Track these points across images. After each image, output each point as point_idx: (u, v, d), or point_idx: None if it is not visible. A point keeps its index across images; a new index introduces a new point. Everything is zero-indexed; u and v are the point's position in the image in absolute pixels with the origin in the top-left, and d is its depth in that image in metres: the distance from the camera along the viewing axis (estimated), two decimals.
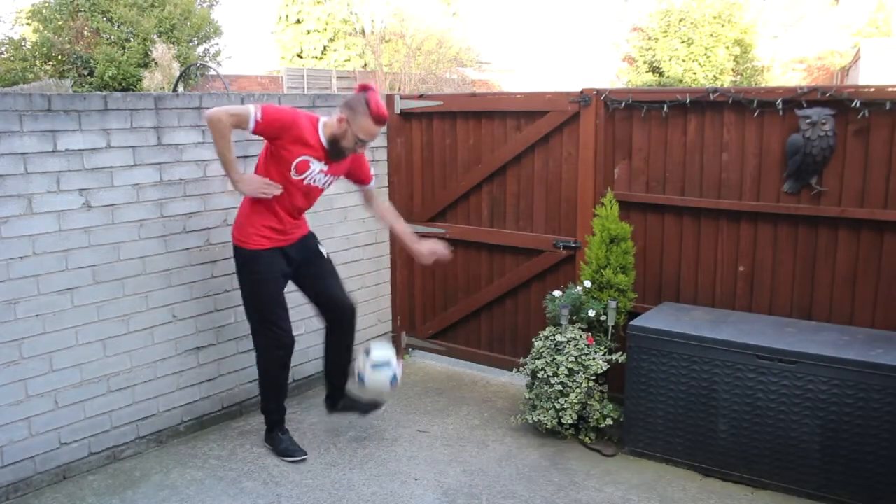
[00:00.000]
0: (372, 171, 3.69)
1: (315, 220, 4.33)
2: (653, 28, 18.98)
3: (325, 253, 3.66)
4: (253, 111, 3.16)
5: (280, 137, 3.23)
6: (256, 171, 3.37)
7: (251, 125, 3.17)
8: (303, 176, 3.32)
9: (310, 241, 3.61)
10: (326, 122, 3.32)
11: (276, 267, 3.44)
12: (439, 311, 4.83)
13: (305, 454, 3.61)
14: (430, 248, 3.65)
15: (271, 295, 3.48)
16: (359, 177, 3.64)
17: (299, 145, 3.26)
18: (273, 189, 3.29)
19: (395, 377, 3.59)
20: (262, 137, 3.30)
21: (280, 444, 3.64)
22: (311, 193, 3.46)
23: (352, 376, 3.68)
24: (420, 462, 3.59)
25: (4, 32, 27.53)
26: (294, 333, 4.34)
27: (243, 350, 4.08)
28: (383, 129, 3.26)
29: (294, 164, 3.28)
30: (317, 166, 3.34)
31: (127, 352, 3.57)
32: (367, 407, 3.84)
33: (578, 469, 3.50)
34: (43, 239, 3.24)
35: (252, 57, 45.62)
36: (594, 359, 3.63)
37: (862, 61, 14.26)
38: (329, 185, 3.49)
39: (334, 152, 3.33)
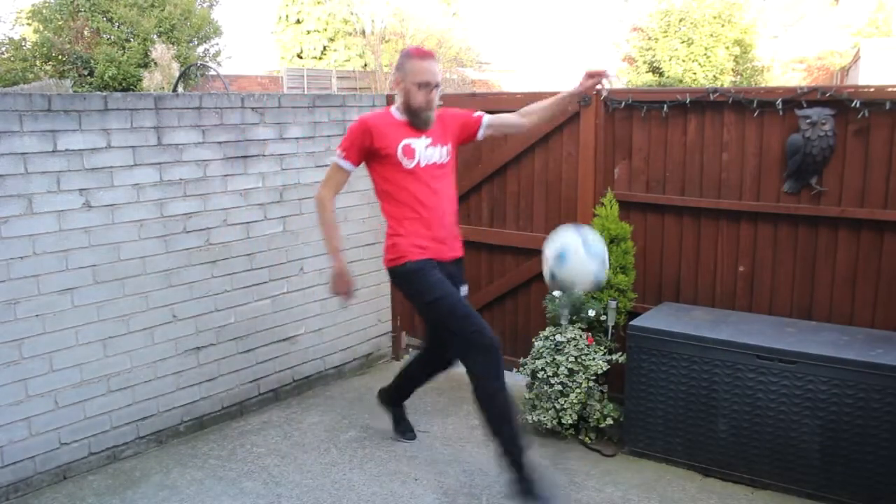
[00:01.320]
0: (473, 113, 3.42)
1: (315, 220, 4.34)
2: (653, 28, 18.97)
3: (464, 292, 3.34)
4: (339, 161, 3.18)
5: (371, 147, 3.14)
6: (380, 200, 3.25)
7: (349, 168, 3.19)
8: (416, 160, 3.15)
9: (460, 268, 3.37)
10: (398, 103, 3.22)
11: (437, 271, 3.15)
12: None
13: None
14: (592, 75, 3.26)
15: (450, 293, 3.12)
16: (470, 127, 3.38)
17: (389, 137, 3.14)
18: (348, 299, 3.30)
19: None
20: (366, 165, 3.24)
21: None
22: (437, 175, 3.20)
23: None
24: (420, 462, 3.59)
25: (4, 32, 27.55)
26: (294, 333, 4.37)
27: (243, 350, 4.08)
28: (436, 63, 3.13)
29: (399, 154, 3.14)
30: (419, 144, 3.17)
31: (127, 352, 3.57)
32: (403, 430, 3.81)
33: (578, 469, 3.49)
34: (43, 239, 3.24)
35: (252, 57, 45.64)
36: (594, 359, 3.63)
37: (862, 61, 14.26)
38: (448, 156, 3.26)
39: (418, 121, 3.16)
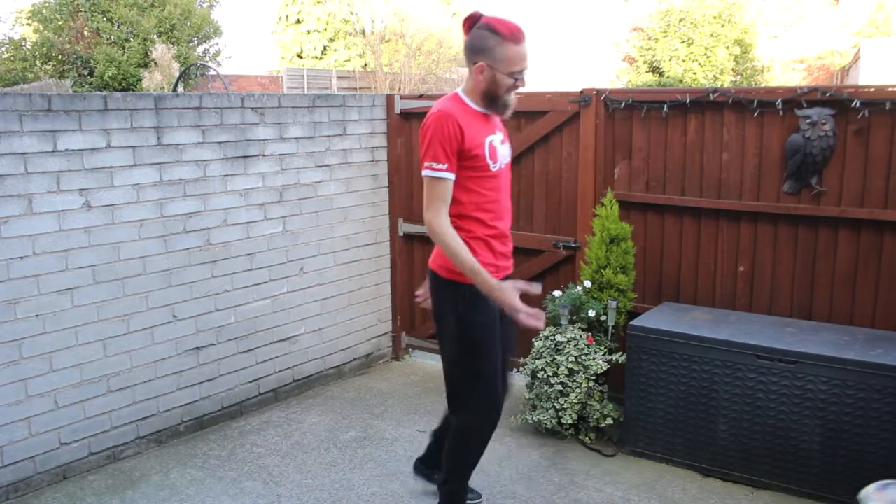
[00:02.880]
0: None
1: (315, 220, 4.35)
2: (653, 28, 18.99)
3: None
4: (434, 174, 2.55)
5: (462, 148, 2.57)
6: (458, 206, 2.65)
7: (451, 177, 2.57)
8: (499, 163, 2.69)
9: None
10: (466, 89, 2.66)
11: (495, 306, 2.64)
12: None
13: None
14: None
15: (490, 339, 2.72)
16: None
17: (475, 133, 2.60)
18: (538, 321, 2.50)
19: None
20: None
21: None
22: (508, 177, 2.81)
23: None
24: None
25: (4, 32, 27.58)
26: (294, 333, 4.37)
27: (243, 350, 4.08)
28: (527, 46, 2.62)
29: (487, 155, 2.63)
30: (496, 140, 2.69)
31: (127, 352, 3.57)
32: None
33: (578, 469, 3.49)
34: (43, 239, 3.24)
35: (252, 57, 45.68)
36: (594, 359, 3.63)
37: (862, 61, 14.26)
38: (511, 152, 2.86)
39: (498, 108, 2.67)
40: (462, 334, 2.70)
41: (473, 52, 2.57)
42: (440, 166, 2.54)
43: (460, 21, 2.76)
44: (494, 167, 2.65)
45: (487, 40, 2.54)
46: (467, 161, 2.58)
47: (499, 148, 2.68)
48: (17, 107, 3.12)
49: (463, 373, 2.75)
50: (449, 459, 2.91)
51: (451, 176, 2.56)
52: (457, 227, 2.62)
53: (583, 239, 4.05)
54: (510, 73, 2.56)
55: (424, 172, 2.57)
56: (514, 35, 2.54)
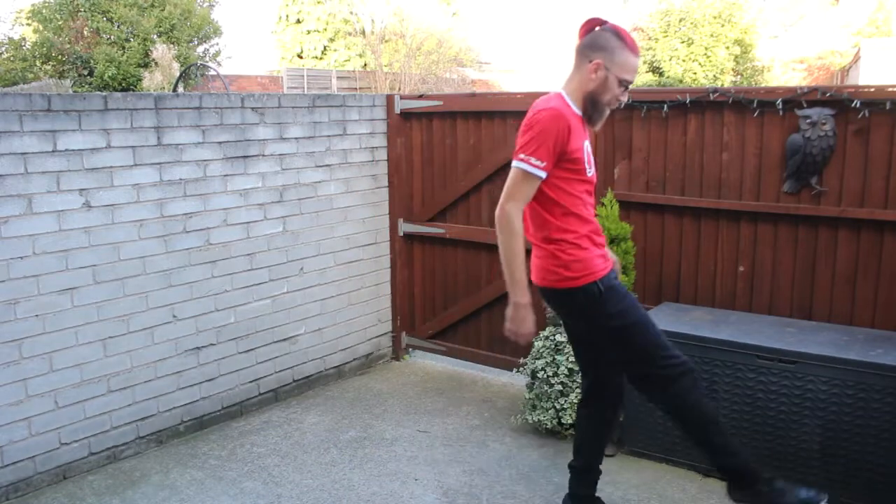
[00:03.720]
0: None
1: (315, 220, 4.35)
2: (653, 28, 18.99)
3: None
4: (529, 168, 2.48)
5: (565, 149, 2.52)
6: (551, 212, 2.60)
7: (543, 176, 2.51)
8: (592, 167, 2.66)
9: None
10: (569, 88, 2.61)
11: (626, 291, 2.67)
12: (439, 311, 4.83)
13: (825, 495, 2.70)
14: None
15: (644, 315, 2.67)
16: None
17: (578, 138, 2.56)
18: (526, 340, 2.63)
19: None
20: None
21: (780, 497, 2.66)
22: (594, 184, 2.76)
23: None
24: (420, 462, 3.59)
25: (4, 32, 27.56)
26: (294, 333, 4.37)
27: (243, 350, 4.08)
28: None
29: (586, 161, 2.59)
30: (588, 146, 2.65)
31: (127, 352, 3.57)
32: None
33: None
34: (43, 239, 3.24)
35: (252, 57, 45.62)
36: None
37: (862, 61, 14.27)
38: None
39: (596, 115, 2.62)
40: (619, 322, 2.61)
41: (593, 49, 2.55)
42: (538, 163, 2.48)
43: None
44: (590, 172, 2.63)
45: (610, 41, 2.54)
46: (568, 163, 2.55)
47: (590, 155, 2.66)
48: (17, 107, 3.12)
49: (637, 360, 2.65)
50: (694, 439, 2.73)
51: (545, 175, 2.51)
52: (561, 229, 2.59)
53: None
54: (621, 80, 2.55)
55: (519, 164, 2.50)
56: (634, 46, 2.57)
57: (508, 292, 2.58)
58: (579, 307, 2.64)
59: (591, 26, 2.59)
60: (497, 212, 2.55)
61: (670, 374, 2.60)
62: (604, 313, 2.61)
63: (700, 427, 2.67)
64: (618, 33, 2.55)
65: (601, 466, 3.01)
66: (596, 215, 2.70)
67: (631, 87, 2.61)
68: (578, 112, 2.60)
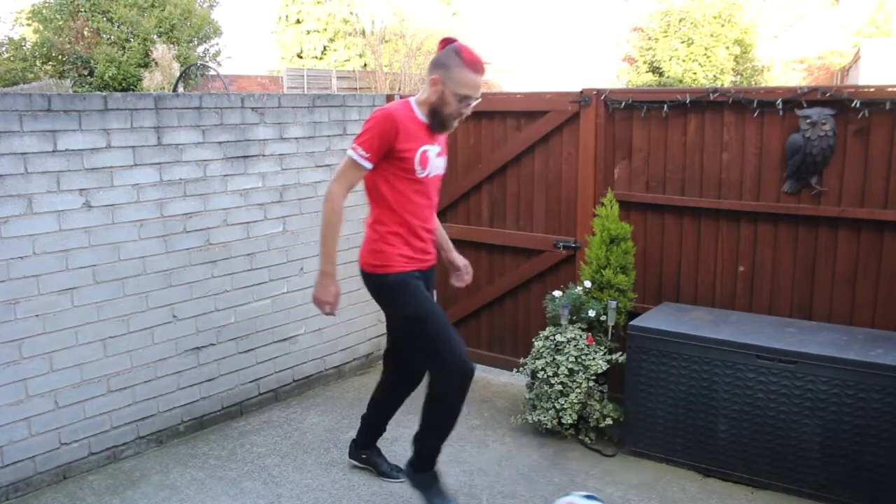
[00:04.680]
0: None
1: (315, 220, 4.35)
2: (653, 28, 18.99)
3: (433, 297, 3.17)
4: (357, 158, 2.80)
5: (393, 147, 2.81)
6: (378, 200, 2.93)
7: (368, 167, 2.82)
8: (427, 171, 2.90)
9: (434, 273, 3.15)
10: (418, 99, 2.90)
11: (422, 284, 2.98)
12: None
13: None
14: (467, 262, 3.30)
15: (434, 310, 2.94)
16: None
17: (412, 140, 2.83)
18: (331, 311, 2.94)
19: None
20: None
21: (430, 492, 3.09)
22: (437, 187, 3.04)
23: None
24: None
25: (5, 33, 27.58)
26: (294, 333, 4.37)
27: (243, 350, 4.08)
28: (484, 78, 2.85)
29: (417, 161, 2.85)
30: (432, 151, 2.91)
31: (127, 352, 3.57)
32: (388, 471, 3.43)
33: (578, 469, 3.50)
34: (43, 239, 3.24)
35: (252, 57, 45.66)
36: (594, 359, 3.63)
37: (862, 61, 14.27)
38: (445, 166, 3.08)
39: (438, 125, 2.87)
40: (402, 314, 2.98)
41: (435, 65, 2.83)
42: (364, 154, 2.80)
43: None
44: (421, 174, 2.89)
45: (449, 59, 2.79)
46: (396, 161, 2.84)
47: (431, 159, 2.92)
48: (17, 107, 3.12)
49: (420, 345, 2.99)
50: (436, 418, 3.06)
51: (369, 166, 2.82)
52: (376, 219, 2.94)
53: (583, 239, 4.05)
54: (458, 95, 2.79)
55: (349, 152, 2.83)
56: (473, 64, 2.78)
57: (320, 262, 2.92)
58: (373, 291, 3.02)
59: (443, 45, 2.86)
60: (326, 192, 2.87)
61: (443, 370, 2.91)
62: (387, 302, 3.01)
63: (438, 425, 3.03)
64: (459, 52, 2.78)
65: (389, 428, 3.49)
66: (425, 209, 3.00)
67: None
68: (423, 119, 2.88)
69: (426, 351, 2.96)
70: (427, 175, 2.92)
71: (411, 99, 2.93)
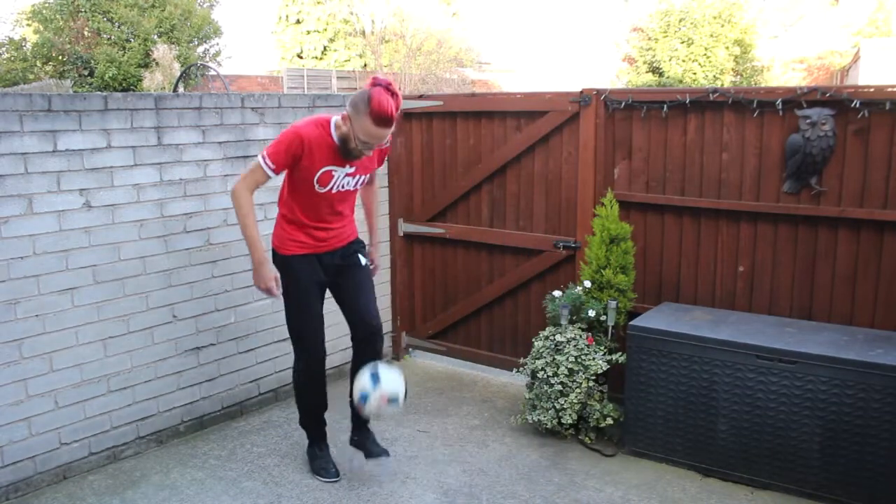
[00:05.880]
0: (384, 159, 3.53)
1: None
2: (653, 28, 18.99)
3: (363, 262, 3.42)
4: (264, 165, 3.03)
5: (298, 162, 3.05)
6: (283, 192, 3.24)
7: (272, 175, 3.07)
8: (328, 187, 3.14)
9: (351, 248, 3.38)
10: (337, 122, 3.07)
11: (308, 274, 3.26)
12: (439, 311, 4.84)
13: (338, 476, 3.43)
14: (377, 265, 3.70)
15: (301, 303, 3.30)
16: (382, 157, 3.42)
17: (315, 158, 3.05)
18: (273, 293, 3.21)
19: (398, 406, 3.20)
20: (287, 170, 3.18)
21: (313, 460, 3.53)
22: (345, 198, 3.27)
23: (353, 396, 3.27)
24: (420, 462, 3.59)
25: (5, 33, 27.55)
26: None
27: (243, 350, 4.08)
28: (391, 129, 2.97)
29: (315, 179, 3.09)
30: (340, 172, 3.14)
31: (127, 352, 3.57)
32: (377, 452, 3.53)
33: (578, 469, 3.50)
34: (43, 239, 3.24)
35: (252, 57, 45.57)
36: (594, 359, 3.63)
37: (862, 61, 14.27)
38: (362, 183, 3.29)
39: (346, 153, 3.06)
40: (284, 288, 3.26)
41: (350, 103, 2.97)
42: (270, 164, 3.03)
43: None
44: (321, 190, 3.13)
45: (360, 104, 2.91)
46: (299, 173, 3.09)
47: (337, 178, 3.13)
48: (18, 107, 3.12)
49: (287, 326, 3.37)
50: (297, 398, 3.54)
51: (273, 175, 3.06)
52: (287, 205, 3.21)
53: (583, 239, 4.05)
54: (359, 139, 2.96)
55: (258, 158, 3.06)
56: (378, 116, 2.88)
57: (251, 258, 3.16)
58: (276, 264, 3.27)
59: (371, 83, 2.95)
60: (232, 190, 3.12)
61: (296, 355, 3.42)
62: (281, 274, 3.25)
63: (300, 404, 3.54)
64: (369, 100, 2.87)
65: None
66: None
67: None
68: (337, 143, 3.06)
69: (288, 328, 3.38)
70: (329, 191, 3.15)
71: (334, 118, 3.09)
